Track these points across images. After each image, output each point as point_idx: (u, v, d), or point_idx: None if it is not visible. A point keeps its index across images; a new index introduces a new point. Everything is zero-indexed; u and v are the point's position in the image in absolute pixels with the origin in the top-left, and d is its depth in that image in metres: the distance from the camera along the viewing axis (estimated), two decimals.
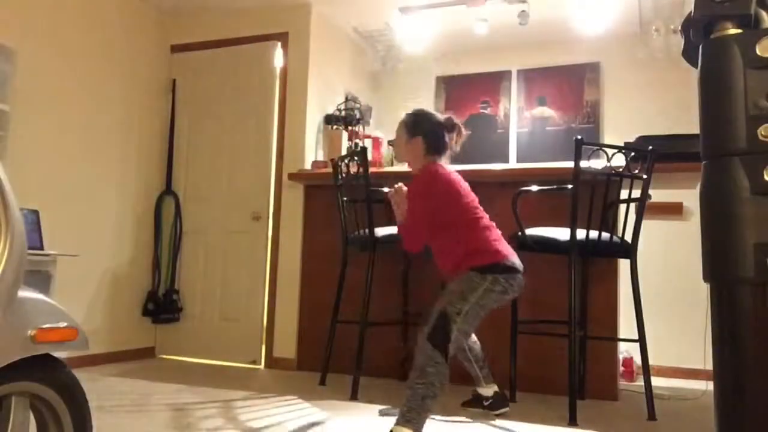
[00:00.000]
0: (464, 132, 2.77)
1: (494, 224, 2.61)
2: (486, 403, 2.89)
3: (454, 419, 2.76)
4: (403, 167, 4.34)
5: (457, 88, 5.27)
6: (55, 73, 3.73)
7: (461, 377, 3.18)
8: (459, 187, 2.59)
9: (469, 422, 2.72)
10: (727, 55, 1.49)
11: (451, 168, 2.66)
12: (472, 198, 2.63)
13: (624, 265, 3.32)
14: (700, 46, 1.56)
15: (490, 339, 3.58)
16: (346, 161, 3.32)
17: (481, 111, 5.18)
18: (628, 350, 4.06)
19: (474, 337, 2.90)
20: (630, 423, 2.78)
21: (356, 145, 4.34)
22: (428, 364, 2.26)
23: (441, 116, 2.73)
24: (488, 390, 2.89)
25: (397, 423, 2.20)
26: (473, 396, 2.98)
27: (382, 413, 2.80)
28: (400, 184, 2.62)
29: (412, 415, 2.19)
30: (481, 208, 2.63)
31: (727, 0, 1.50)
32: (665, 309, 4.41)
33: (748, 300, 1.43)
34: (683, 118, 4.48)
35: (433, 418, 2.73)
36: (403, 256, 3.79)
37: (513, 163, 4.99)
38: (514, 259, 2.54)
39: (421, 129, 2.66)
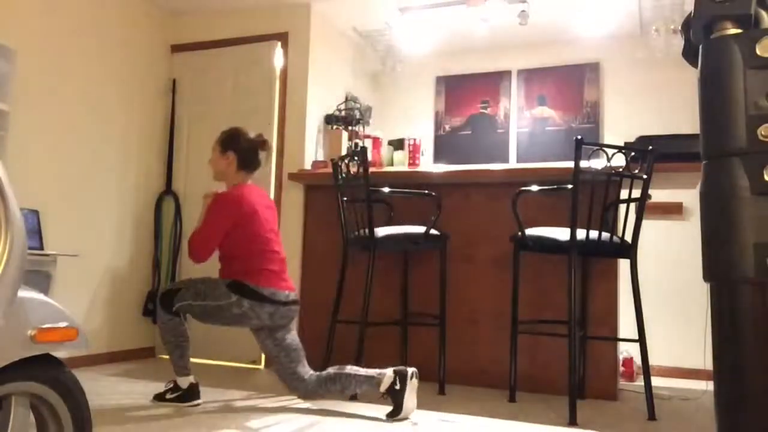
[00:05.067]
0: (268, 147, 3.03)
1: (283, 256, 2.90)
2: (174, 395, 2.86)
3: (444, 418, 2.76)
4: (403, 167, 4.34)
5: (457, 88, 5.27)
6: (55, 73, 3.73)
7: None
8: (258, 217, 2.82)
9: (458, 422, 2.72)
10: (727, 55, 1.49)
11: (257, 191, 2.90)
12: (269, 227, 2.87)
13: (624, 265, 3.32)
14: (700, 46, 1.56)
15: (491, 339, 3.59)
16: (346, 161, 3.32)
17: (481, 111, 5.18)
18: (628, 350, 4.06)
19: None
20: (630, 423, 2.79)
21: (356, 145, 4.34)
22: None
23: (253, 135, 2.96)
24: (185, 381, 2.88)
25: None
26: (173, 385, 2.92)
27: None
28: (215, 190, 2.92)
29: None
30: (276, 233, 2.90)
31: (727, 0, 1.50)
32: (665, 309, 4.41)
33: (748, 300, 1.43)
34: (683, 118, 4.48)
35: (447, 420, 2.73)
36: (402, 256, 3.79)
37: (513, 163, 4.99)
38: (277, 289, 2.77)
39: (234, 145, 2.93)
